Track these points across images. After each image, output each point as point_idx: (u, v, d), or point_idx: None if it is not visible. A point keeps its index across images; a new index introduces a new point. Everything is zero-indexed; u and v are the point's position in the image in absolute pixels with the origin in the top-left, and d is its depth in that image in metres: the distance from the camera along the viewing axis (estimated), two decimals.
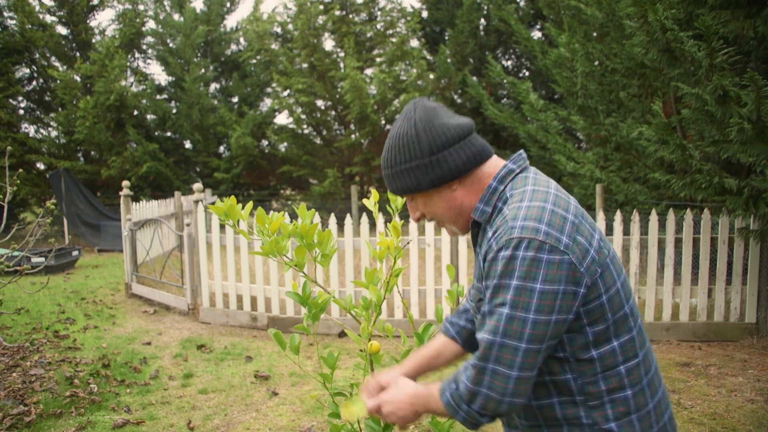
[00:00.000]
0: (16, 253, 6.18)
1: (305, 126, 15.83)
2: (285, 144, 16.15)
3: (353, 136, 14.77)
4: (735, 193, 4.56)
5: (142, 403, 4.07)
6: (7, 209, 4.42)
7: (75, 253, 10.33)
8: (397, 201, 2.07)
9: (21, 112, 15.90)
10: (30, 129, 16.14)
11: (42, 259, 9.06)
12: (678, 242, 5.37)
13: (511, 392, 1.19)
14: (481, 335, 1.21)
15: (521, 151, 1.38)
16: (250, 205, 1.92)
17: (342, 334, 5.77)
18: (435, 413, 1.33)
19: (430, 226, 5.56)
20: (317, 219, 4.59)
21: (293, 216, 12.18)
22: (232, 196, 1.90)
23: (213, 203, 6.99)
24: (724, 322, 5.33)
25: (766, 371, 4.46)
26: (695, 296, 5.41)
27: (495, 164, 1.35)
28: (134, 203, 8.89)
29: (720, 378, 4.34)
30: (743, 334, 5.28)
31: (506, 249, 1.18)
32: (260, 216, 1.82)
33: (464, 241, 5.54)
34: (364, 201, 2.04)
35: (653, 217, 5.32)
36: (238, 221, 1.91)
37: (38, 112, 16.20)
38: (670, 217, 5.29)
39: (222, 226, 6.21)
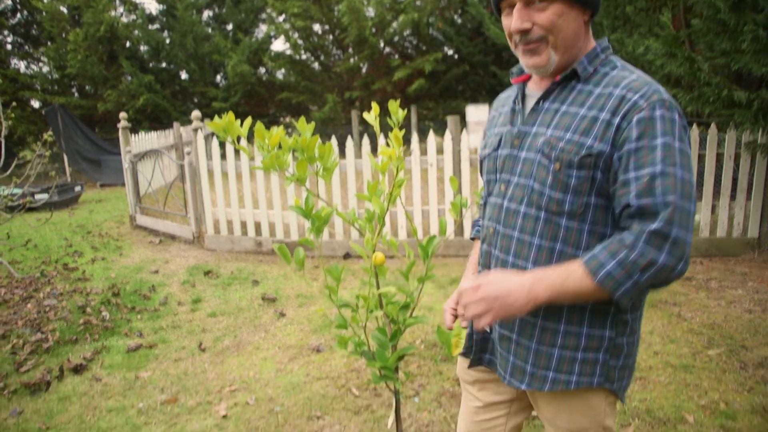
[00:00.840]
0: (16, 191, 6.19)
1: (302, 51, 15.46)
2: (282, 70, 15.84)
3: (352, 60, 14.44)
4: (744, 107, 4.46)
5: (153, 328, 4.17)
6: (6, 148, 4.39)
7: (77, 188, 10.34)
8: (398, 113, 2.01)
9: (9, 47, 15.50)
10: (20, 65, 15.80)
11: (45, 195, 9.08)
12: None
13: (685, 259, 1.15)
14: (661, 198, 1.14)
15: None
16: (248, 120, 1.87)
17: (347, 256, 5.84)
18: (570, 296, 1.19)
19: (432, 146, 5.50)
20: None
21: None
22: (230, 112, 1.85)
23: (212, 134, 6.91)
24: (727, 238, 5.36)
25: (765, 284, 4.52)
26: (699, 212, 5.41)
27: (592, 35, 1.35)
28: (133, 135, 8.80)
29: (720, 291, 4.41)
30: (745, 249, 5.32)
31: (659, 108, 1.17)
32: (259, 131, 1.77)
33: (466, 159, 5.50)
34: (365, 115, 1.98)
35: None
36: (238, 138, 1.87)
37: (27, 47, 15.81)
38: None
39: (223, 154, 6.16)
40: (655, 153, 1.16)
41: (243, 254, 6.18)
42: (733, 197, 5.34)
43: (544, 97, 1.33)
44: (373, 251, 1.81)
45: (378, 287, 1.87)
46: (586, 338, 1.30)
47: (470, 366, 1.50)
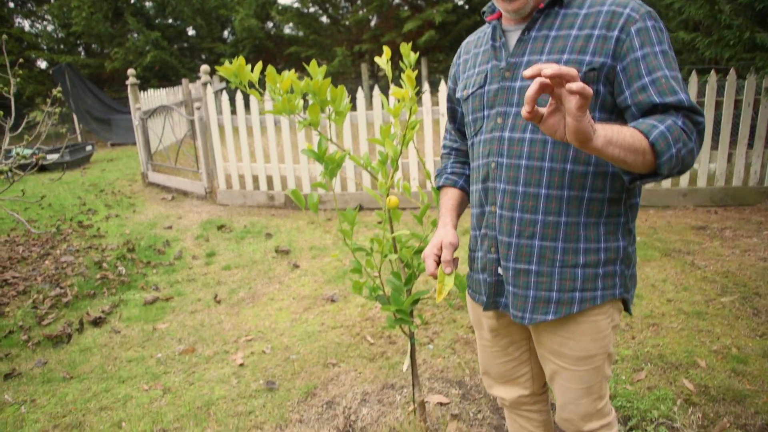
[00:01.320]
0: (27, 151, 6.21)
1: (310, 4, 15.17)
2: (290, 24, 15.61)
3: (360, 12, 14.18)
4: (767, 49, 4.32)
5: (169, 282, 4.23)
6: (15, 109, 4.38)
7: (89, 148, 10.37)
8: (410, 56, 1.97)
9: (11, 5, 15.31)
10: (24, 23, 15.63)
11: (56, 155, 9.12)
12: (699, 106, 5.20)
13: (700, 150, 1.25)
14: (683, 96, 1.21)
15: None
16: (259, 65, 1.84)
17: (359, 208, 5.85)
18: (622, 144, 1.11)
19: (444, 96, 5.43)
20: None
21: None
22: (240, 56, 1.82)
23: (221, 90, 6.85)
24: (743, 187, 5.29)
25: None
26: (714, 161, 5.33)
27: None
28: (142, 93, 8.75)
29: (734, 239, 4.37)
30: (761, 198, 5.26)
31: (650, 20, 1.26)
32: (270, 74, 1.75)
33: None
34: (376, 59, 1.94)
35: None
36: (249, 83, 1.84)
37: (30, 5, 15.61)
38: (693, 79, 5.08)
39: (233, 110, 6.12)
40: (659, 59, 1.23)
41: (255, 208, 6.21)
42: (750, 145, 5.24)
43: (529, 27, 1.34)
44: (387, 195, 1.80)
45: (392, 231, 1.87)
46: (604, 252, 1.35)
47: (486, 309, 1.50)
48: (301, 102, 1.80)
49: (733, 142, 5.27)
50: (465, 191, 1.61)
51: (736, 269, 3.79)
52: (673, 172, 1.20)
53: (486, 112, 1.41)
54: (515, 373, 1.62)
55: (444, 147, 1.73)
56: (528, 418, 1.69)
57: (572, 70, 0.97)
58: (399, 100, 1.82)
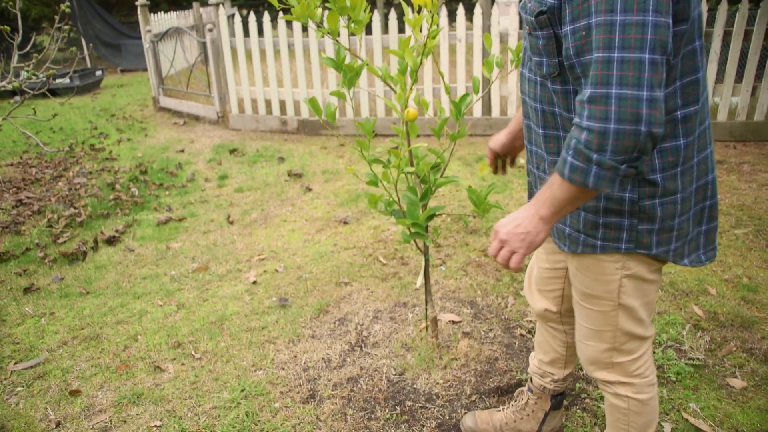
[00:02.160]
0: (32, 74, 6.12)
1: None
2: None
3: None
4: None
5: (181, 203, 4.25)
6: (23, 32, 4.27)
7: (98, 73, 10.23)
8: None
9: None
10: None
11: (66, 80, 9.02)
12: (727, 36, 5.00)
13: (647, 119, 0.97)
14: (591, 56, 1.01)
15: None
16: None
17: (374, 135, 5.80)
18: (563, 203, 1.11)
19: (461, 22, 5.26)
20: None
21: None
22: None
23: (232, 15, 6.65)
24: (765, 122, 5.15)
25: None
26: (737, 94, 5.18)
27: None
28: (152, 15, 8.54)
29: (752, 174, 4.31)
30: None
31: None
32: None
33: (497, 36, 5.25)
34: None
35: (702, 8, 4.90)
36: None
37: None
38: (722, 6, 4.86)
39: (246, 31, 5.96)
40: (589, 1, 1.00)
41: (268, 133, 6.16)
42: None
43: None
44: (405, 107, 1.76)
45: (409, 145, 1.85)
46: (604, 200, 1.23)
47: None
48: (320, 10, 1.74)
49: (759, 76, 5.10)
50: None
51: (751, 203, 3.75)
52: (623, 170, 1.02)
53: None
54: (548, 285, 1.62)
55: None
56: (553, 335, 1.70)
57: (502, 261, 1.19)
58: (419, 11, 1.75)
